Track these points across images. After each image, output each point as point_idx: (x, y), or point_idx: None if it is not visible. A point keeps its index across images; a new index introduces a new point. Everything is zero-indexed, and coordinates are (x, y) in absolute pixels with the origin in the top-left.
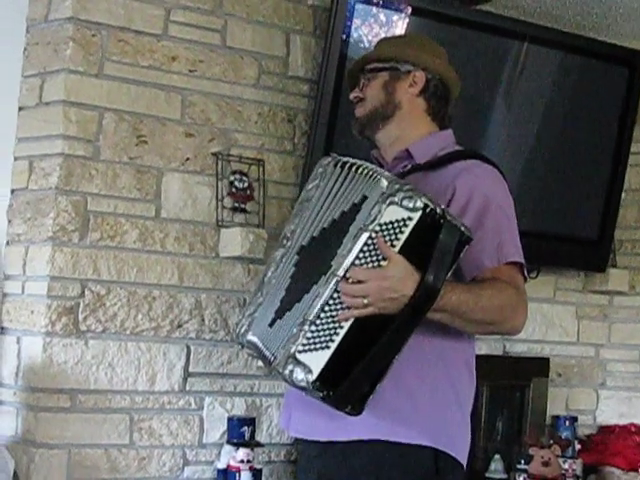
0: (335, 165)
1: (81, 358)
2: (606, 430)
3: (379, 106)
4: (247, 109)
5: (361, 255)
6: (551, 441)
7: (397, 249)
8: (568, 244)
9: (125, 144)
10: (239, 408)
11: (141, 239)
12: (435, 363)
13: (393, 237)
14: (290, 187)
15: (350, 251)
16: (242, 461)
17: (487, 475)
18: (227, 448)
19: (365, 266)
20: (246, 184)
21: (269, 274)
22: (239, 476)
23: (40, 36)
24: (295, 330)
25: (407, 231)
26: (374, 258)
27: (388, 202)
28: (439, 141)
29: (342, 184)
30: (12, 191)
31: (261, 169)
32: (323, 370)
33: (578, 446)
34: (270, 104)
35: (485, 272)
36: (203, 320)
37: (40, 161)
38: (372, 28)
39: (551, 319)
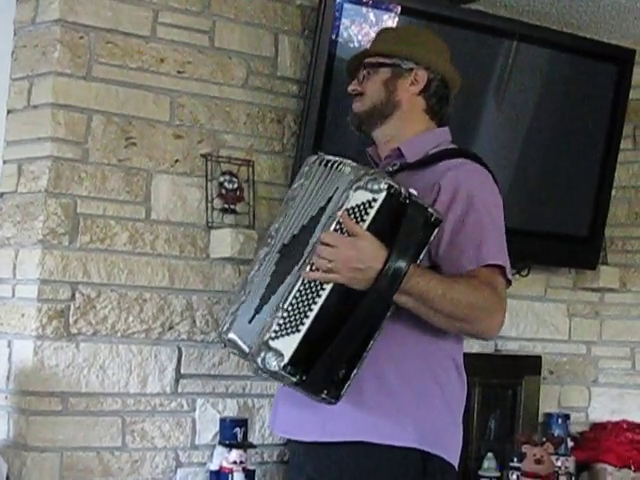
0: (320, 164)
1: (72, 361)
2: (598, 427)
3: (379, 103)
4: (236, 110)
5: None
6: (544, 439)
7: (364, 227)
8: (559, 242)
9: (114, 146)
10: (231, 409)
11: (131, 241)
12: (419, 363)
13: (359, 218)
14: (280, 187)
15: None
16: (235, 462)
17: (480, 473)
18: (220, 449)
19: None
20: (236, 185)
21: (252, 272)
22: (232, 477)
23: (28, 39)
24: (269, 319)
25: (372, 212)
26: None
27: (354, 187)
28: (432, 139)
29: (323, 181)
30: (1, 194)
31: (250, 170)
32: (294, 353)
33: (570, 443)
34: (259, 105)
35: (463, 272)
36: (194, 322)
37: (29, 164)
38: (361, 28)
39: (542, 317)
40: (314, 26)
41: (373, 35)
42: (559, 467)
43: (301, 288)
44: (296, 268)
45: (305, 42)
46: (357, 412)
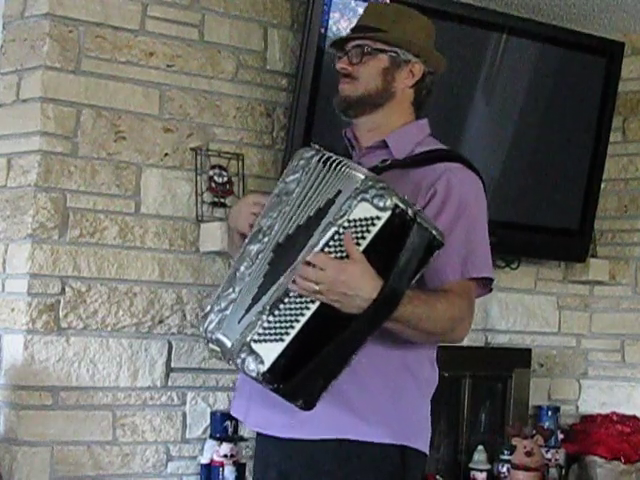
0: (318, 161)
1: (62, 355)
2: (588, 419)
3: (373, 92)
4: (225, 103)
5: (326, 249)
6: (534, 431)
7: (362, 248)
8: (548, 235)
9: (103, 140)
10: (222, 403)
11: (121, 235)
12: (395, 358)
13: (360, 235)
14: (270, 181)
15: (317, 244)
16: (225, 456)
17: (470, 466)
18: (210, 443)
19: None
20: (225, 179)
21: (242, 269)
22: (223, 471)
23: (17, 33)
24: (253, 319)
25: (374, 230)
26: (339, 254)
27: (359, 198)
28: (416, 133)
29: (322, 181)
30: None
31: (240, 163)
32: (275, 362)
33: (560, 436)
34: (248, 98)
35: (446, 285)
36: (184, 315)
37: (18, 158)
38: (350, 21)
39: (532, 310)
40: (303, 19)
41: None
42: (549, 459)
43: (290, 295)
44: (289, 271)
45: (294, 35)
46: (335, 410)
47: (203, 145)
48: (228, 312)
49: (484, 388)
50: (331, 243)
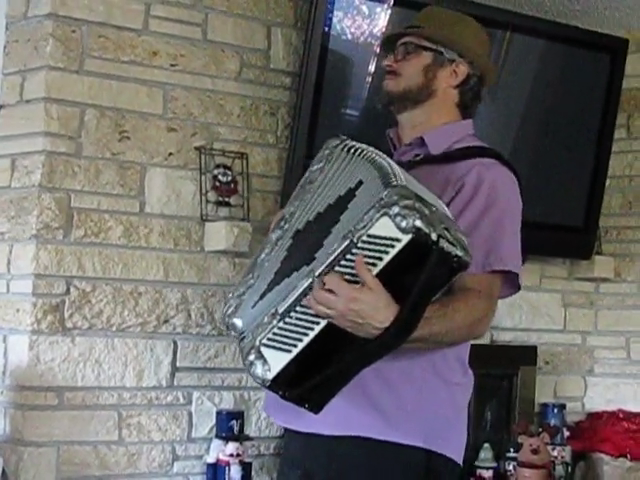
0: (342, 149)
1: (68, 355)
2: (594, 417)
3: (414, 88)
4: (229, 103)
5: (343, 263)
6: (540, 429)
7: (376, 271)
8: (553, 232)
9: (107, 140)
10: (227, 402)
11: (125, 235)
12: (421, 360)
13: (376, 256)
14: (274, 180)
15: (333, 253)
16: (231, 455)
17: (476, 464)
18: (216, 442)
19: (344, 276)
20: (230, 178)
21: (262, 255)
22: (229, 470)
23: (20, 33)
24: (266, 319)
25: (392, 253)
26: (354, 272)
27: (382, 212)
28: (456, 131)
29: (345, 168)
30: None
31: (244, 162)
32: (280, 373)
33: (567, 433)
34: (252, 97)
35: (465, 278)
36: (189, 315)
37: (22, 159)
38: (354, 20)
39: (537, 307)
40: (307, 18)
41: (367, 26)
42: (555, 457)
43: (303, 301)
44: (304, 269)
45: (298, 34)
46: (358, 407)
47: (207, 144)
48: (245, 297)
49: (490, 386)
50: (348, 256)
